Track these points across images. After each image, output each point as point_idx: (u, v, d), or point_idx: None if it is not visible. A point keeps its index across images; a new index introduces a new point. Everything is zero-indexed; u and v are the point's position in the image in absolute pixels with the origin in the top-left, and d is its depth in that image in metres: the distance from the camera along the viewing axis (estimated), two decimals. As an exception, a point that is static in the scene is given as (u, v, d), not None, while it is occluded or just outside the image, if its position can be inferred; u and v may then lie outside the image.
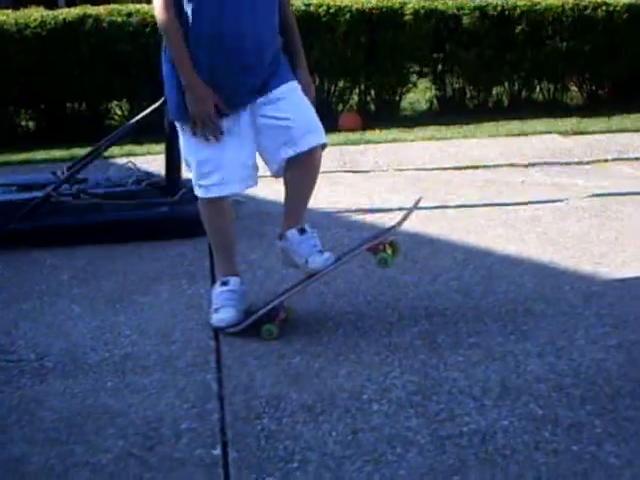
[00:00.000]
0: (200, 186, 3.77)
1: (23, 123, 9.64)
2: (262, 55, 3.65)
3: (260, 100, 3.67)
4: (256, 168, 3.80)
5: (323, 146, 3.78)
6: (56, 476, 2.74)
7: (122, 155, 7.15)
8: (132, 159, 6.26)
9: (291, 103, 3.70)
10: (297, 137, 3.67)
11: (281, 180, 3.83)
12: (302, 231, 3.80)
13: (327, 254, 3.76)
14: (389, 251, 3.76)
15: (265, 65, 3.67)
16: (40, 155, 8.11)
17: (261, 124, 3.70)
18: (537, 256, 4.62)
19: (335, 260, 3.77)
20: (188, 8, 3.57)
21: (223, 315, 3.78)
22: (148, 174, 5.85)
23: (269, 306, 3.75)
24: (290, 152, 3.68)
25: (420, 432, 2.90)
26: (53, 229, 5.19)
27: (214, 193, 3.75)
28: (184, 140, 3.78)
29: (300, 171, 3.77)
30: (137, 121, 5.42)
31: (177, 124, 3.80)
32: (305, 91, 3.80)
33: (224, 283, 3.87)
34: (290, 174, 3.78)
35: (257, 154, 3.79)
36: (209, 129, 3.63)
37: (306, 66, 3.91)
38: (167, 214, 5.27)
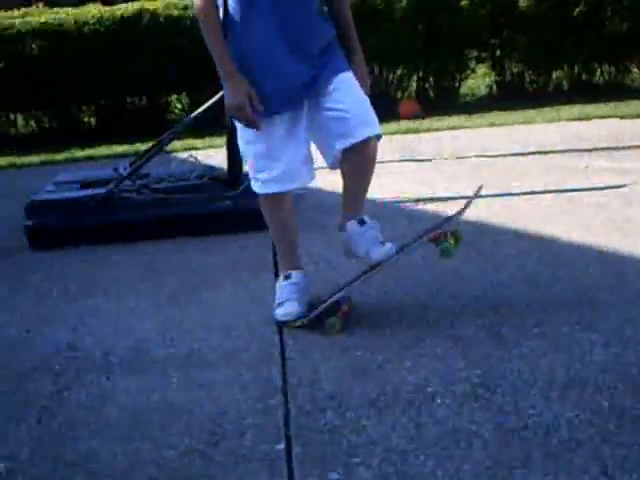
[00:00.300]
0: (257, 180, 3.78)
1: (85, 119, 9.75)
2: (306, 48, 3.62)
3: (315, 92, 3.66)
4: (312, 161, 3.80)
5: (378, 137, 3.75)
6: (122, 473, 2.77)
7: (184, 149, 7.20)
8: (193, 153, 6.29)
9: (346, 94, 3.67)
10: (352, 128, 3.64)
11: (338, 171, 3.83)
12: (362, 222, 3.79)
13: (388, 245, 3.74)
14: (451, 241, 3.73)
15: (314, 57, 3.64)
16: (102, 151, 8.21)
17: (317, 116, 3.69)
18: (602, 243, 4.56)
19: (396, 251, 3.76)
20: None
21: (287, 309, 3.79)
22: (210, 168, 5.89)
23: (332, 299, 3.75)
24: (346, 143, 3.65)
25: (484, 425, 2.88)
26: (116, 225, 5.26)
27: (272, 189, 3.76)
28: (240, 134, 3.79)
29: (356, 162, 3.75)
30: (197, 115, 5.44)
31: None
32: (361, 85, 3.77)
33: (287, 277, 3.88)
34: (346, 165, 3.76)
35: (313, 146, 3.79)
36: (244, 122, 3.63)
37: (363, 60, 3.88)
38: (230, 208, 5.29)
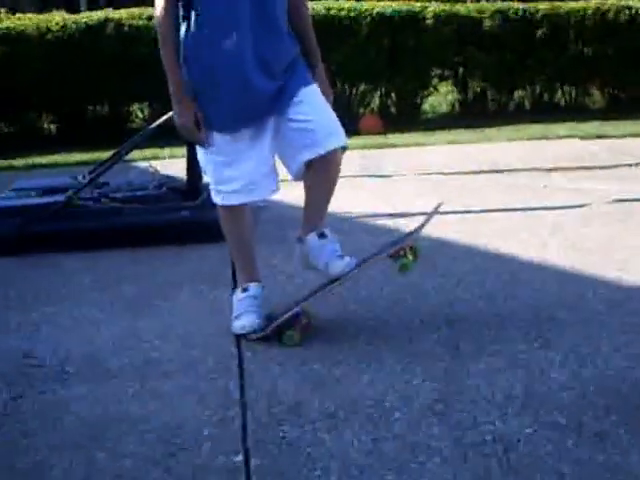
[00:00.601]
0: (219, 192, 3.77)
1: (46, 126, 9.67)
2: (273, 64, 3.63)
3: (280, 105, 3.65)
4: (277, 173, 3.79)
5: (343, 149, 3.75)
6: (78, 482, 2.75)
7: (143, 159, 7.15)
8: (153, 163, 6.26)
9: (311, 105, 3.68)
10: (318, 140, 3.64)
11: (301, 184, 3.83)
12: (322, 235, 3.78)
13: (347, 259, 3.74)
14: (410, 256, 3.74)
15: (279, 72, 3.64)
16: (62, 158, 8.14)
17: (282, 128, 3.69)
18: (560, 262, 4.59)
19: (356, 265, 3.76)
20: (191, 18, 3.57)
21: (244, 322, 3.77)
22: (169, 178, 5.84)
23: (291, 312, 3.74)
24: (312, 154, 3.65)
25: (443, 440, 2.88)
26: (74, 233, 5.20)
27: (233, 201, 3.75)
28: (201, 147, 3.78)
29: (320, 174, 3.75)
30: (159, 125, 5.41)
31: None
32: (323, 92, 3.78)
33: (245, 289, 3.86)
34: (310, 177, 3.76)
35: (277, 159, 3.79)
36: (192, 141, 3.67)
37: (323, 72, 3.89)
38: (188, 218, 5.26)
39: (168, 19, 3.59)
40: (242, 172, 3.68)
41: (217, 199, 3.79)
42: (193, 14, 3.56)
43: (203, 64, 3.60)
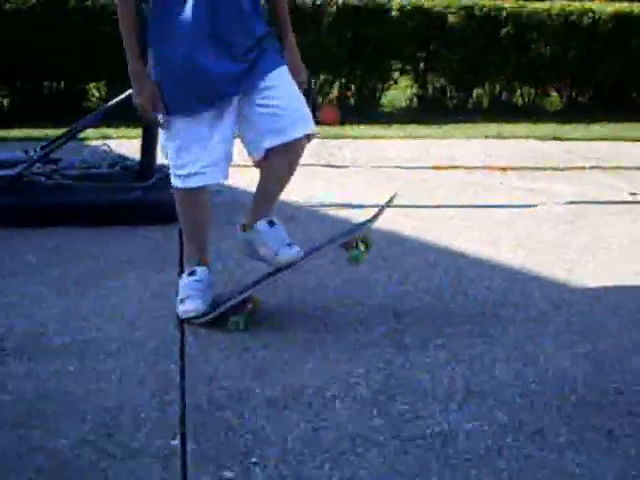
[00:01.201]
0: (178, 175, 3.71)
1: (-2, 100, 9.55)
2: (235, 45, 3.58)
3: (245, 88, 3.61)
4: (231, 159, 3.75)
5: (309, 137, 3.72)
6: (10, 459, 2.69)
7: (97, 138, 7.08)
8: (107, 142, 6.19)
9: (279, 90, 3.64)
10: (284, 127, 3.61)
11: (251, 170, 3.80)
12: (271, 223, 3.76)
13: (296, 247, 3.72)
14: (362, 248, 3.74)
15: (241, 52, 3.59)
16: (15, 133, 8.03)
17: (247, 111, 3.65)
18: (509, 260, 4.61)
19: (305, 254, 3.74)
20: None
21: (189, 305, 3.72)
22: (123, 158, 5.78)
23: (237, 298, 3.71)
24: (275, 142, 3.62)
25: (382, 432, 2.88)
26: (24, 208, 5.13)
27: (193, 183, 3.68)
28: (166, 127, 3.72)
29: (281, 160, 3.71)
30: (114, 103, 5.35)
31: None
32: (294, 75, 3.73)
33: (191, 273, 3.81)
34: (269, 163, 3.71)
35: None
36: (147, 120, 3.66)
37: (296, 49, 3.86)
38: (140, 199, 5.21)
39: None
40: (201, 155, 3.62)
41: (176, 182, 3.73)
42: None
43: (160, 40, 3.57)
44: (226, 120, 3.64)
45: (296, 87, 3.72)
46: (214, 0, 3.52)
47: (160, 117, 3.63)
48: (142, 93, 3.59)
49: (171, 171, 3.75)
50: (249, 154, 3.74)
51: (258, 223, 3.75)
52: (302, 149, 3.73)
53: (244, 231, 3.85)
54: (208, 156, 3.64)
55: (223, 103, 3.62)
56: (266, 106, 3.62)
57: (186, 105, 3.60)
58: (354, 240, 3.75)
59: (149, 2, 3.58)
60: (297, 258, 3.70)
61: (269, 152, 3.66)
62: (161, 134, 3.77)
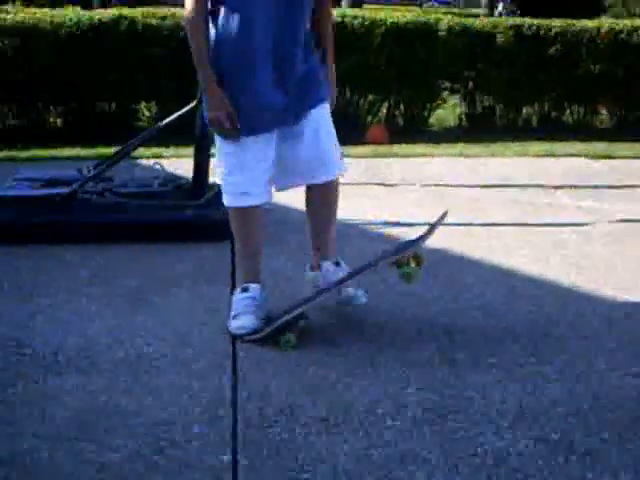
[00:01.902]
0: (227, 193, 3.80)
1: (52, 120, 9.66)
2: (288, 73, 3.65)
3: (285, 122, 3.71)
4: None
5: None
6: (63, 473, 2.72)
7: (149, 157, 7.14)
8: (159, 161, 6.24)
9: (314, 131, 3.74)
10: (310, 169, 3.78)
11: (303, 188, 3.91)
12: (337, 264, 3.96)
13: (361, 291, 3.91)
14: (413, 264, 3.73)
15: (293, 82, 3.66)
16: (66, 152, 8.12)
17: (281, 142, 3.75)
18: (560, 279, 4.57)
19: (356, 270, 3.84)
20: (222, 16, 3.60)
21: (242, 322, 3.75)
22: (175, 176, 5.83)
23: (289, 315, 3.72)
24: (301, 182, 3.85)
25: (433, 451, 2.87)
26: (77, 226, 5.18)
27: (240, 202, 3.79)
28: (219, 145, 3.78)
29: (317, 200, 3.91)
30: (166, 123, 5.40)
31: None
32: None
33: (244, 289, 3.85)
34: (310, 203, 3.93)
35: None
36: (222, 135, 3.69)
37: (333, 68, 3.94)
38: (191, 217, 5.24)
39: (200, 9, 3.59)
40: (250, 176, 3.72)
41: (225, 200, 3.83)
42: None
43: (225, 62, 3.63)
44: (270, 144, 3.73)
45: (331, 129, 3.82)
46: (277, 32, 3.59)
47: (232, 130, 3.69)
48: (215, 107, 3.63)
49: (222, 190, 3.83)
50: (274, 183, 3.86)
51: (324, 263, 3.92)
52: (334, 188, 3.89)
53: (312, 270, 4.03)
54: (255, 177, 3.73)
55: (269, 130, 3.71)
56: (296, 148, 3.75)
57: (243, 124, 3.66)
58: (406, 257, 3.74)
59: (217, 25, 3.63)
60: (359, 304, 3.86)
61: (307, 191, 3.90)
62: (217, 152, 3.82)
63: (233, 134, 3.66)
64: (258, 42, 3.57)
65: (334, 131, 3.85)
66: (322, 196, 3.89)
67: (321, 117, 3.78)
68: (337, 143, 3.86)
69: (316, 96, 3.76)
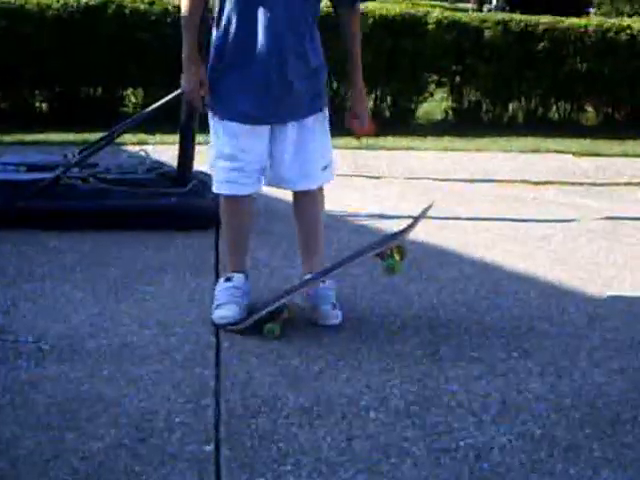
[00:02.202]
0: (217, 181, 3.79)
1: (37, 104, 9.61)
2: (289, 69, 3.62)
3: (280, 121, 3.69)
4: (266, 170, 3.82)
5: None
6: (45, 461, 2.71)
7: (135, 143, 7.11)
8: (144, 148, 6.22)
9: (304, 138, 3.72)
10: (291, 177, 3.76)
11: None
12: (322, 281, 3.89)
13: (338, 312, 3.83)
14: (397, 257, 3.72)
15: (293, 81, 3.63)
16: (52, 137, 8.08)
17: (274, 141, 3.73)
18: (545, 275, 4.58)
19: (340, 262, 3.83)
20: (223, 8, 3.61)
21: (225, 312, 3.74)
22: (159, 163, 5.80)
23: (273, 305, 3.71)
24: (283, 185, 3.84)
25: (416, 443, 2.87)
26: (60, 211, 5.15)
27: (230, 191, 3.77)
28: (213, 130, 3.78)
29: (300, 208, 3.89)
30: (154, 109, 5.38)
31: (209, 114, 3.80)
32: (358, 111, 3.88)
33: (228, 279, 3.84)
34: (295, 209, 3.91)
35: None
36: (193, 106, 3.79)
37: (362, 94, 3.99)
38: (175, 205, 5.22)
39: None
40: (241, 164, 3.71)
41: (214, 187, 3.83)
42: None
43: (226, 50, 3.63)
44: (263, 135, 3.70)
45: (324, 139, 3.81)
46: (278, 32, 3.58)
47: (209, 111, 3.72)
48: (192, 80, 3.65)
49: (213, 177, 3.84)
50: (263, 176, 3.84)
51: (306, 276, 3.87)
52: (316, 198, 3.88)
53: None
54: (246, 165, 3.71)
55: (261, 123, 3.70)
56: (284, 152, 3.72)
57: (236, 112, 3.66)
58: (389, 249, 3.73)
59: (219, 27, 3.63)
60: (333, 323, 3.81)
61: (293, 197, 3.88)
62: (212, 141, 3.81)
63: (199, 107, 3.75)
64: (259, 41, 3.55)
65: (327, 141, 3.82)
66: (303, 203, 3.87)
67: (313, 127, 3.74)
68: (328, 154, 3.83)
69: (312, 104, 3.73)
